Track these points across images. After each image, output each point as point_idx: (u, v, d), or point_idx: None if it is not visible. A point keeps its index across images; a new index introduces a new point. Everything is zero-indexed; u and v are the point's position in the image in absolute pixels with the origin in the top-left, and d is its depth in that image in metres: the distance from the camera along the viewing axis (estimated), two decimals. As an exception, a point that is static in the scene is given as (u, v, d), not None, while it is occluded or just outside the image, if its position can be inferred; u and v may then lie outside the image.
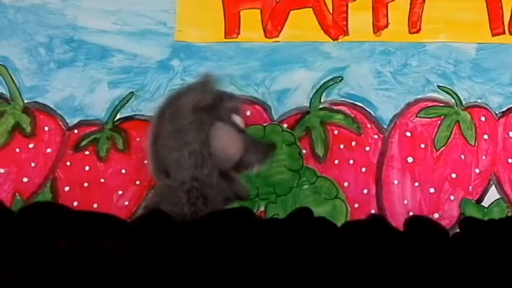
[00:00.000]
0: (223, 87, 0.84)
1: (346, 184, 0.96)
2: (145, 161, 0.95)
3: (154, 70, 1.01)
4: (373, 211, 0.95)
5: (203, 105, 0.76)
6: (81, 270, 0.55)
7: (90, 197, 0.96)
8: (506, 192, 0.96)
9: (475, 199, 0.96)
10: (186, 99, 0.76)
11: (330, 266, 0.59)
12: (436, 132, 0.98)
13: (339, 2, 1.02)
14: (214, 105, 0.77)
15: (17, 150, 0.98)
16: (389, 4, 1.02)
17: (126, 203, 0.96)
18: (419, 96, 0.99)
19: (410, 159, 0.97)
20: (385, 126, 0.98)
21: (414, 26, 1.01)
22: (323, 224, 0.65)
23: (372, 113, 0.99)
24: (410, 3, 1.02)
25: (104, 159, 0.98)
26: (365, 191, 0.96)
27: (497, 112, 0.98)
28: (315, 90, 1.00)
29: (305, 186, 0.96)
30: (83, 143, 0.99)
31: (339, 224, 0.66)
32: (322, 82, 1.00)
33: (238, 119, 0.81)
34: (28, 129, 0.99)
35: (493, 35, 1.01)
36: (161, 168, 0.77)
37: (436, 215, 0.95)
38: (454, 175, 0.96)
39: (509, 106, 0.99)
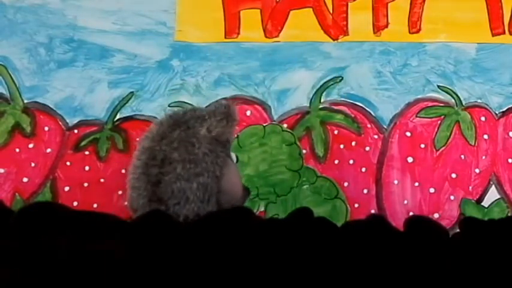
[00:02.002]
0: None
1: (346, 184, 0.96)
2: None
3: (154, 70, 1.01)
4: (373, 211, 0.95)
5: (223, 138, 0.71)
6: (81, 270, 0.55)
7: (90, 197, 0.96)
8: (506, 192, 0.96)
9: (475, 199, 0.96)
10: (205, 127, 0.70)
11: (330, 266, 0.59)
12: (436, 132, 0.98)
13: (339, 2, 1.02)
14: (230, 140, 0.72)
15: (17, 150, 0.98)
16: (389, 4, 1.02)
17: (126, 203, 0.96)
18: (419, 96, 0.99)
19: (410, 159, 0.97)
20: (385, 126, 0.98)
21: (414, 26, 1.01)
22: (323, 224, 0.65)
23: (372, 113, 0.99)
24: (410, 3, 1.02)
25: (103, 159, 0.98)
26: (365, 191, 0.96)
27: (497, 112, 0.98)
28: (315, 90, 1.00)
29: (305, 186, 0.96)
30: (83, 143, 0.99)
31: (339, 224, 0.66)
32: (322, 82, 1.00)
33: (234, 157, 0.76)
34: (28, 129, 0.99)
35: (493, 35, 1.01)
36: (156, 196, 0.67)
37: (436, 215, 0.95)
38: (454, 175, 0.96)
39: (509, 106, 0.99)
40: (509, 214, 0.95)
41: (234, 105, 0.75)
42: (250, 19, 1.02)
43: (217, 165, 0.69)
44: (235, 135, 0.77)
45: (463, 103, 0.99)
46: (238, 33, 1.02)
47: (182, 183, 0.67)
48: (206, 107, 0.75)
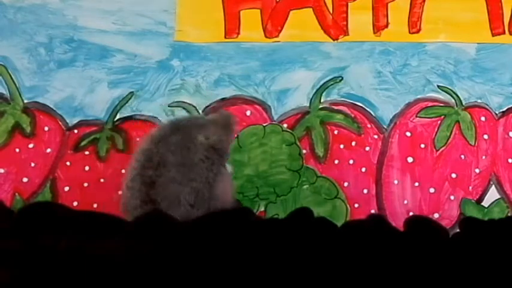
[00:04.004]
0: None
1: (346, 184, 0.96)
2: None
3: (154, 70, 1.01)
4: (373, 211, 0.95)
5: (220, 146, 0.72)
6: (81, 270, 0.55)
7: (90, 197, 0.96)
8: (506, 192, 0.96)
9: (475, 199, 0.96)
10: (204, 134, 0.72)
11: (330, 266, 0.59)
12: (436, 132, 0.98)
13: (339, 2, 1.02)
14: (226, 149, 0.74)
15: (17, 150, 0.98)
16: (389, 4, 1.02)
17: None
18: (419, 96, 0.99)
19: (410, 159, 0.97)
20: (385, 126, 0.98)
21: (414, 26, 1.01)
22: (323, 224, 0.65)
23: (372, 113, 0.99)
24: (410, 3, 1.02)
25: (103, 159, 0.98)
26: (365, 191, 0.96)
27: (497, 112, 0.98)
28: (315, 90, 1.00)
29: (305, 186, 0.96)
30: (83, 143, 0.99)
31: (339, 224, 0.66)
32: (322, 82, 1.00)
33: (229, 167, 0.77)
34: (28, 129, 0.99)
35: (493, 35, 1.01)
36: (148, 197, 0.69)
37: (436, 215, 0.95)
38: (454, 175, 0.96)
39: (509, 106, 0.99)
40: (509, 214, 0.95)
41: (234, 117, 0.77)
42: (250, 19, 1.02)
43: (212, 172, 0.71)
44: (234, 142, 0.79)
45: (463, 103, 0.99)
46: (238, 33, 1.02)
47: (175, 186, 0.68)
48: (208, 115, 0.77)
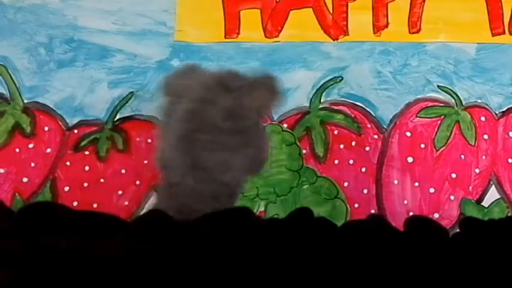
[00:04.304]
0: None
1: (346, 184, 0.96)
2: (145, 161, 0.96)
3: (154, 70, 1.01)
4: (373, 211, 0.95)
5: (267, 112, 0.72)
6: (81, 270, 0.55)
7: (90, 197, 0.96)
8: (506, 192, 0.96)
9: (475, 199, 0.96)
10: (256, 99, 0.68)
11: (330, 266, 0.59)
12: (436, 132, 0.98)
13: (339, 2, 1.02)
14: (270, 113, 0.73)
15: (17, 150, 0.98)
16: (389, 4, 1.02)
17: (126, 203, 0.96)
18: (419, 96, 0.99)
19: (410, 159, 0.97)
20: (385, 126, 0.98)
21: (414, 26, 1.01)
22: (323, 224, 0.65)
23: (372, 113, 0.99)
24: (410, 3, 1.02)
25: (103, 159, 0.98)
26: (365, 191, 0.96)
27: (497, 112, 0.99)
28: (315, 90, 1.00)
29: (305, 186, 0.96)
30: (83, 143, 0.99)
31: (339, 224, 0.66)
32: (322, 82, 1.00)
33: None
34: (28, 129, 0.99)
35: (493, 35, 1.01)
36: (197, 160, 0.65)
37: (436, 215, 0.95)
38: (454, 175, 0.96)
39: (509, 106, 0.99)
40: (509, 214, 0.95)
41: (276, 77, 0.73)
42: (250, 19, 1.02)
43: (262, 138, 0.70)
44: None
45: (463, 103, 0.99)
46: (238, 33, 1.02)
47: (227, 152, 0.66)
48: (250, 76, 0.72)
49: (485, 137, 0.98)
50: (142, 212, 0.94)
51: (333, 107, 0.99)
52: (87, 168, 0.98)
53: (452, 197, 0.96)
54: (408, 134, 0.98)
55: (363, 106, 0.99)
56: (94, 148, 0.98)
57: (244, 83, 0.69)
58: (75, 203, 0.96)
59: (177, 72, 0.75)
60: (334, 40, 1.01)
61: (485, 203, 0.96)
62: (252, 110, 0.68)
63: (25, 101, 1.00)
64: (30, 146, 0.98)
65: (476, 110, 0.99)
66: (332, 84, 1.00)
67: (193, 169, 0.66)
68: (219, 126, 0.65)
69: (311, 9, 1.02)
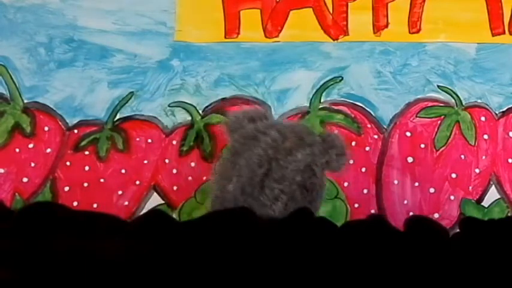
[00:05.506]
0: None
1: (346, 184, 0.96)
2: (145, 161, 0.96)
3: (154, 70, 1.01)
4: (373, 211, 0.95)
5: (332, 170, 0.73)
6: (81, 270, 0.55)
7: (90, 197, 0.96)
8: (506, 192, 0.96)
9: (475, 199, 0.96)
10: (326, 160, 0.71)
11: (330, 266, 0.59)
12: (436, 132, 0.98)
13: (339, 2, 1.02)
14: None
15: (17, 150, 0.98)
16: (389, 4, 1.02)
17: (126, 203, 0.96)
18: (419, 96, 0.99)
19: (410, 159, 0.97)
20: (385, 126, 0.98)
21: (414, 26, 1.01)
22: (323, 224, 0.65)
23: (372, 113, 0.99)
24: (410, 3, 1.02)
25: (103, 159, 0.98)
26: (365, 191, 0.96)
27: (497, 112, 0.99)
28: (315, 90, 1.00)
29: (305, 186, 0.96)
30: (83, 143, 0.99)
31: (339, 224, 0.66)
32: (322, 82, 1.00)
33: None
34: (28, 129, 0.99)
35: (493, 35, 1.01)
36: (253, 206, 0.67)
37: (436, 215, 0.95)
38: (454, 175, 0.96)
39: (509, 106, 0.99)
40: (509, 214, 0.95)
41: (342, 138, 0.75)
42: (250, 19, 1.02)
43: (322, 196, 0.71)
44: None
45: (463, 103, 0.99)
46: (238, 33, 1.02)
47: (291, 204, 0.67)
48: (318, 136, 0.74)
49: (485, 137, 0.98)
50: (142, 212, 0.94)
51: (333, 107, 0.99)
52: (87, 168, 0.98)
53: (452, 197, 0.96)
54: (408, 134, 0.98)
55: (363, 106, 0.99)
56: (94, 148, 0.98)
57: (317, 139, 0.71)
58: (75, 203, 0.96)
59: (248, 114, 0.75)
60: (334, 40, 1.02)
61: (485, 203, 0.96)
62: (322, 167, 0.70)
63: (25, 101, 1.00)
64: (30, 146, 0.98)
65: (476, 110, 0.99)
66: (332, 84, 1.00)
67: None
68: (291, 178, 0.66)
69: (311, 9, 1.02)
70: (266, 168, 0.67)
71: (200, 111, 0.99)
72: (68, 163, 0.98)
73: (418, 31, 1.01)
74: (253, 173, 0.67)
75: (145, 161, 0.97)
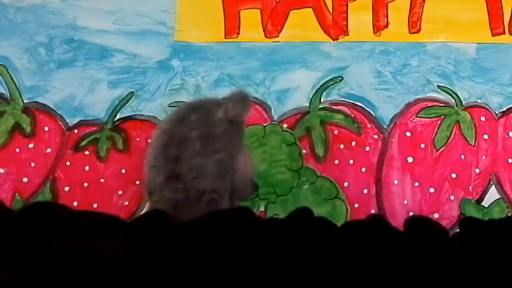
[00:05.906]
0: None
1: (346, 184, 0.96)
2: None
3: (154, 70, 1.01)
4: (373, 211, 0.95)
5: (238, 119, 0.74)
6: (81, 270, 0.55)
7: (90, 197, 0.96)
8: (506, 192, 0.96)
9: (475, 199, 0.96)
10: (223, 110, 0.73)
11: (330, 266, 0.59)
12: (436, 132, 0.98)
13: (339, 2, 1.02)
14: (244, 123, 0.76)
15: (17, 150, 0.98)
16: (389, 4, 1.02)
17: (126, 203, 0.96)
18: (419, 96, 0.99)
19: (410, 159, 0.97)
20: (385, 126, 0.98)
21: (414, 26, 1.01)
22: (323, 224, 0.65)
23: (372, 113, 0.99)
24: (410, 3, 1.02)
25: (103, 159, 0.98)
26: (365, 191, 0.96)
27: (497, 112, 0.98)
28: (315, 90, 1.00)
29: (305, 186, 0.96)
30: (83, 143, 0.99)
31: (339, 224, 0.66)
32: (322, 82, 1.00)
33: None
34: (28, 129, 0.99)
35: (493, 35, 1.01)
36: (174, 172, 0.69)
37: (436, 215, 0.95)
38: (454, 175, 0.96)
39: (509, 106, 0.99)
40: (509, 214, 0.95)
41: (247, 92, 0.79)
42: (250, 19, 1.02)
43: (233, 144, 0.73)
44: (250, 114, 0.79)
45: (463, 103, 0.99)
46: (238, 33, 1.02)
47: (199, 158, 0.69)
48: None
49: (485, 137, 0.97)
50: (142, 212, 0.94)
51: (333, 107, 0.99)
52: (87, 168, 0.98)
53: (452, 197, 0.96)
54: (408, 134, 0.98)
55: (363, 106, 0.99)
56: (94, 148, 0.98)
57: (210, 101, 0.76)
58: (75, 203, 0.96)
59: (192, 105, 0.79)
60: (334, 40, 1.02)
61: (485, 203, 0.96)
62: (221, 120, 0.72)
63: (25, 101, 1.00)
64: (30, 146, 0.98)
65: (476, 110, 0.99)
66: (332, 84, 1.00)
67: (169, 181, 0.69)
68: (189, 137, 0.70)
69: (311, 9, 1.02)
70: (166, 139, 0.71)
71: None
72: (68, 163, 0.98)
73: (418, 31, 1.01)
74: (156, 147, 0.72)
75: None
